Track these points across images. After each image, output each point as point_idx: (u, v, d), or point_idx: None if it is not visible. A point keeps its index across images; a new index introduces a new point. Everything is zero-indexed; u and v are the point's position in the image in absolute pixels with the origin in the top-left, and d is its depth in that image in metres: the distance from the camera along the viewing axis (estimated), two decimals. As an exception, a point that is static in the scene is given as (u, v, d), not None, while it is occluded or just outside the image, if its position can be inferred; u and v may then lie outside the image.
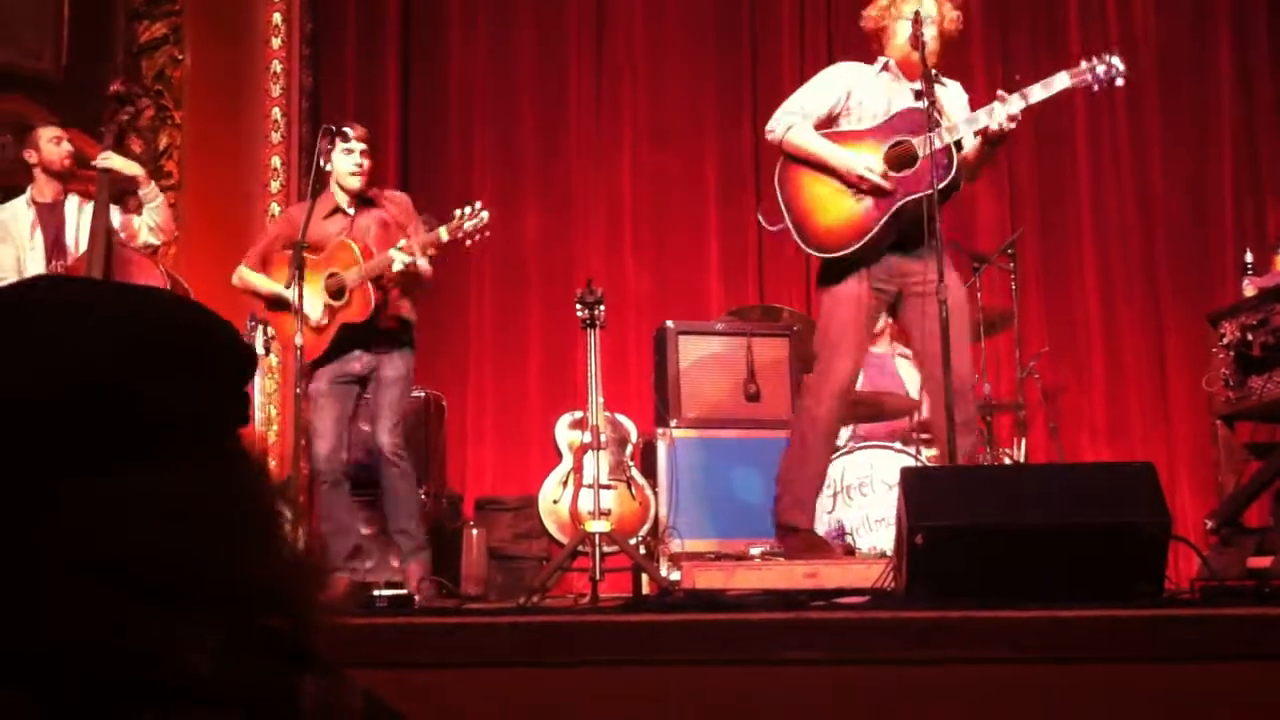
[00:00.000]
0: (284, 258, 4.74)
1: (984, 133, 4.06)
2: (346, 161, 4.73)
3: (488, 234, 4.57)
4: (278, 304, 4.77)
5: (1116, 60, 4.01)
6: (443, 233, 4.52)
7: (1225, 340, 4.51)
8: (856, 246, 4.16)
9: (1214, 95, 7.19)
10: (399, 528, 4.73)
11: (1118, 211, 7.18)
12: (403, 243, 4.53)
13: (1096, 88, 4.03)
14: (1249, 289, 4.80)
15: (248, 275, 4.85)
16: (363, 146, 4.74)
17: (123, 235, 4.80)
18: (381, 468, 4.72)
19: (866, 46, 4.47)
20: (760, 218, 4.55)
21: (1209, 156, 7.17)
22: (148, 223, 4.89)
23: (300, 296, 4.48)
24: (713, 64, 7.42)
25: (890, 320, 5.07)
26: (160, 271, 4.73)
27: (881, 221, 4.14)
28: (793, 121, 4.34)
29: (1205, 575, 3.77)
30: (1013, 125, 4.01)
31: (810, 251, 4.32)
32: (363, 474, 4.97)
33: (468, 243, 4.59)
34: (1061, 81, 4.02)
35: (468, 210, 4.55)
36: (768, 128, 4.43)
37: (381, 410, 4.69)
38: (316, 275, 4.64)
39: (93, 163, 4.75)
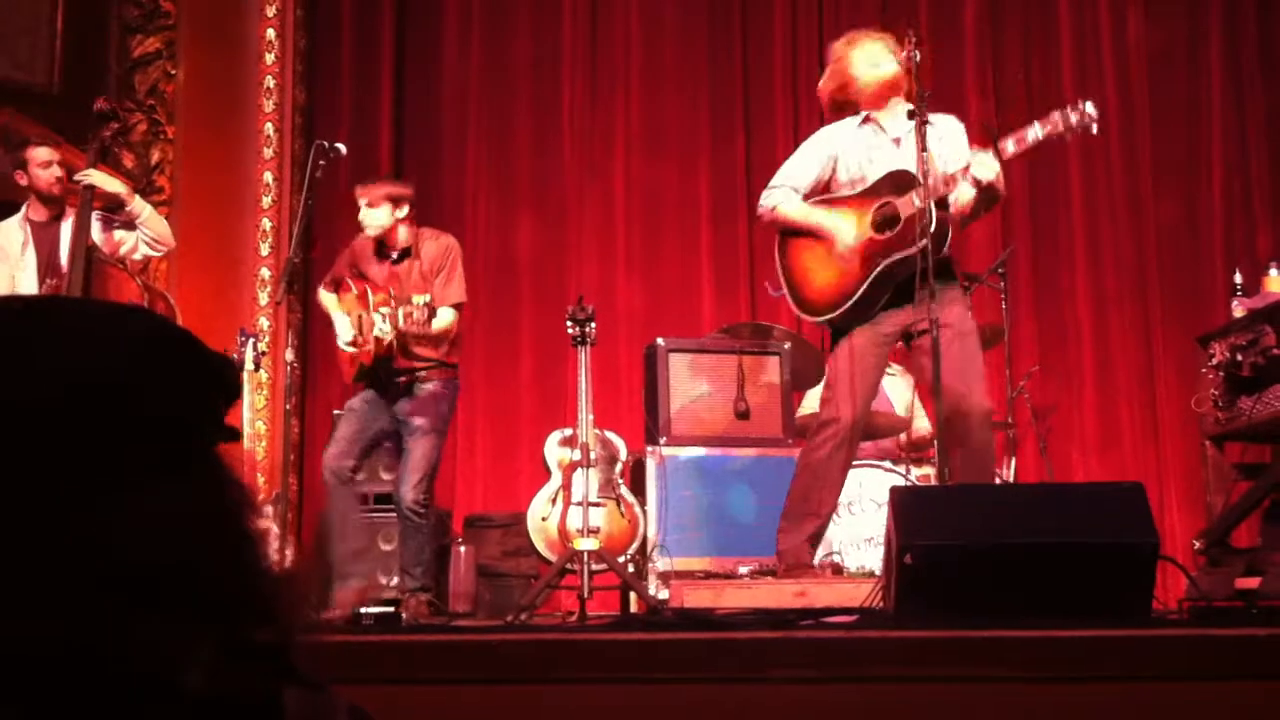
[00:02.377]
0: (347, 286, 5.01)
1: (975, 184, 4.05)
2: (365, 217, 4.93)
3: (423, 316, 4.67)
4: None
5: (1089, 106, 3.96)
6: (400, 319, 4.62)
7: (1215, 361, 4.52)
8: (843, 309, 4.23)
9: (1205, 117, 7.20)
10: (405, 568, 4.92)
11: (1109, 231, 7.19)
12: (384, 310, 4.68)
13: (1069, 136, 3.99)
14: (1238, 310, 4.81)
15: (321, 295, 5.15)
16: (367, 202, 4.92)
17: (104, 250, 4.74)
18: (399, 514, 4.89)
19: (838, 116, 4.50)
20: (768, 285, 4.60)
21: (1200, 178, 7.18)
22: (144, 238, 4.82)
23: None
24: (706, 80, 7.44)
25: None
26: (138, 286, 4.71)
27: (866, 283, 4.20)
28: (779, 199, 4.42)
29: (1193, 595, 3.78)
30: (991, 177, 3.98)
31: (802, 315, 4.47)
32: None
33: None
34: (1034, 133, 4.00)
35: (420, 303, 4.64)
36: (759, 205, 4.53)
37: (411, 462, 4.81)
38: (356, 308, 4.91)
39: (74, 178, 4.70)
